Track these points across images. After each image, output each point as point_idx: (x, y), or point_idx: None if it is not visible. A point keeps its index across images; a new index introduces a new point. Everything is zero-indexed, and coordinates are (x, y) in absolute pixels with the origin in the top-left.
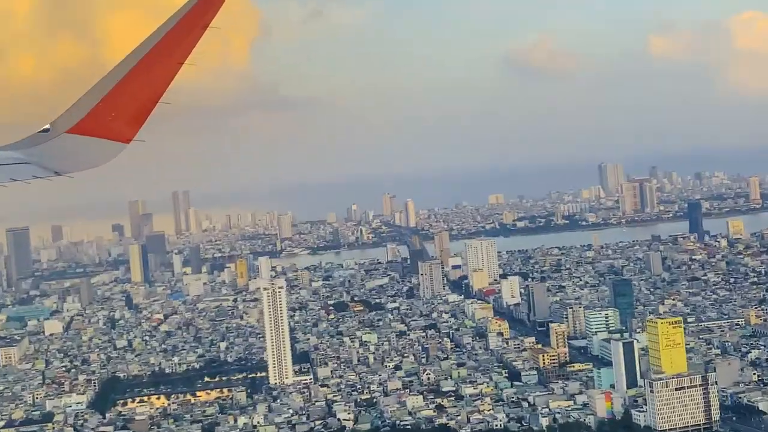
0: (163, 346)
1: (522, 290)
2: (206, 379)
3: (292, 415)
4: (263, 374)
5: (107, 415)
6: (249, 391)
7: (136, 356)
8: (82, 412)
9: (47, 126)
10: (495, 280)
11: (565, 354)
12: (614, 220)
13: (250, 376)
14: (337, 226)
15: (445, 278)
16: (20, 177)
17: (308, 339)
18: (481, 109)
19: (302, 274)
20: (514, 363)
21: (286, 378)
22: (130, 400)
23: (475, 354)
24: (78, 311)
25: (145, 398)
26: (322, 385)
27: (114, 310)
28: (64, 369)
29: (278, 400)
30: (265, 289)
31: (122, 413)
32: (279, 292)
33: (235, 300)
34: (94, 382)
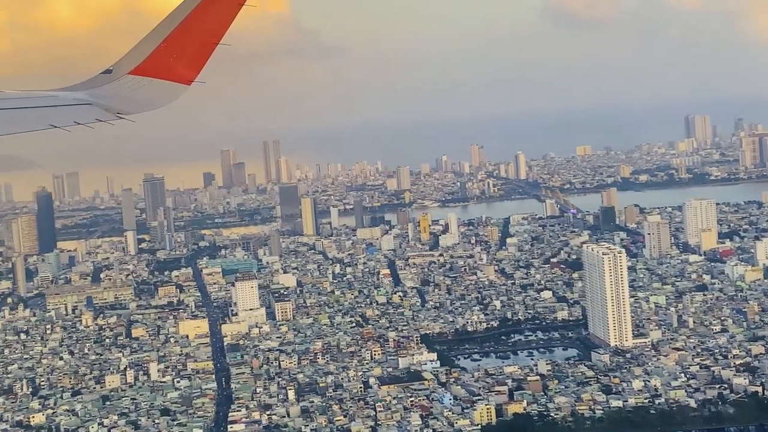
0: (431, 303)
1: None
2: (514, 337)
3: (688, 379)
4: (578, 333)
5: (474, 374)
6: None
7: (414, 313)
8: (447, 370)
9: (110, 67)
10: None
11: None
12: (743, 175)
13: (569, 336)
14: (437, 177)
15: (673, 237)
16: (83, 120)
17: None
18: (523, 57)
19: (491, 230)
20: None
21: (626, 341)
22: (457, 358)
23: None
24: (278, 264)
25: (477, 357)
26: (673, 348)
27: (319, 264)
28: (374, 327)
29: (648, 364)
30: (604, 254)
31: (490, 372)
32: (619, 256)
33: (441, 255)
34: (416, 340)
